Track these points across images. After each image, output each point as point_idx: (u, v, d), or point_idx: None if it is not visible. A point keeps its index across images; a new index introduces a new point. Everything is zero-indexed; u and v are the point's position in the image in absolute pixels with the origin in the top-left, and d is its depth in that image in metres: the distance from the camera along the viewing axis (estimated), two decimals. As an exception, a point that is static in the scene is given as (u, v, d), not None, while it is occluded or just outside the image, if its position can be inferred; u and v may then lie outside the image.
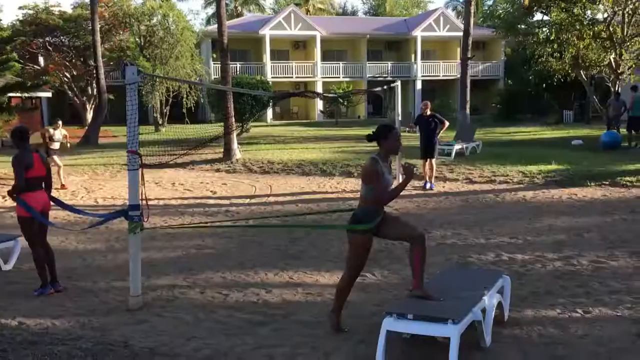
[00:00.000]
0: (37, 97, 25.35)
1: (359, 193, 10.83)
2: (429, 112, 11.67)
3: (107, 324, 4.91)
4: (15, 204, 5.77)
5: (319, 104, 37.35)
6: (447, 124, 12.15)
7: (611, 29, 21.55)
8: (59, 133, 13.30)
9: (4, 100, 16.03)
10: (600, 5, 22.25)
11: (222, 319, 5.01)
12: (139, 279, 5.35)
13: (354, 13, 65.30)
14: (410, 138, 21.29)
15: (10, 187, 5.75)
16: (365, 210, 4.50)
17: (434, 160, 11.86)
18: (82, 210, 6.13)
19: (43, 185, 5.87)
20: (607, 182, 11.41)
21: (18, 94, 18.33)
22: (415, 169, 4.52)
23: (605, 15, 22.27)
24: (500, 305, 4.62)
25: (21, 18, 33.65)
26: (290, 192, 11.83)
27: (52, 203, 5.97)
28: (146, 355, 4.13)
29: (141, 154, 5.25)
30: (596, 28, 21.83)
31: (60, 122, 13.60)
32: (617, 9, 21.44)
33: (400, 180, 4.49)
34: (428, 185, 11.79)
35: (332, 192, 11.69)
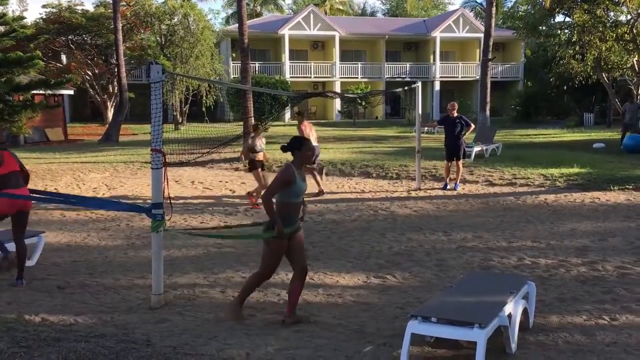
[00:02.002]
0: (59, 95, 25.64)
1: (378, 194, 10.81)
2: (455, 114, 11.61)
3: (129, 321, 4.93)
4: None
5: (337, 105, 37.32)
6: (472, 126, 12.09)
7: (635, 31, 21.26)
8: (261, 142, 10.50)
9: (28, 98, 16.21)
10: (624, 6, 21.95)
11: (244, 320, 5.01)
12: (162, 277, 5.36)
13: (372, 14, 65.15)
14: (429, 139, 21.20)
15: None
16: (280, 216, 4.73)
17: (460, 162, 11.80)
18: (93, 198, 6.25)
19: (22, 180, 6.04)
20: (630, 187, 11.23)
21: (41, 92, 18.53)
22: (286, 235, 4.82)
23: (629, 17, 21.98)
24: (525, 312, 4.56)
25: (44, 16, 34.05)
26: (308, 191, 11.78)
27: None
28: (169, 354, 4.13)
29: (165, 152, 5.26)
30: (619, 30, 21.57)
31: (260, 127, 11.12)
32: (641, 11, 21.15)
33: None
34: (451, 186, 11.73)
35: (351, 192, 11.65)
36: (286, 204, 4.78)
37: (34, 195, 6.53)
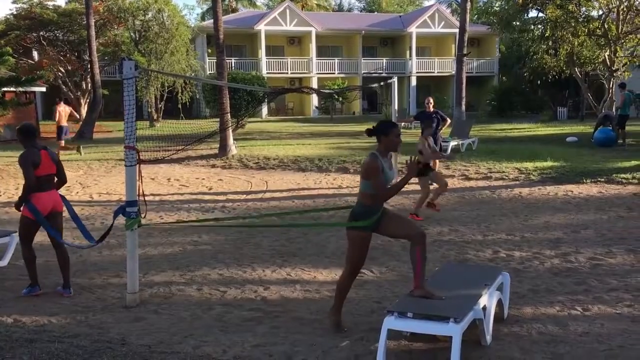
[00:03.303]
0: (31, 92, 25.16)
1: (355, 189, 10.80)
2: (432, 108, 11.69)
3: (104, 321, 4.87)
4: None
5: (314, 100, 37.30)
6: (449, 121, 12.19)
7: (606, 26, 21.62)
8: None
9: (-2, 95, 15.89)
10: (595, 2, 22.29)
11: (220, 316, 4.99)
12: (137, 275, 5.31)
13: (349, 9, 65.20)
14: (406, 134, 21.29)
15: (17, 198, 5.62)
16: (364, 206, 4.46)
17: None
18: (86, 232, 5.96)
19: (55, 182, 5.73)
20: (602, 179, 11.43)
21: (12, 89, 18.16)
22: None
23: (600, 12, 22.34)
24: (499, 303, 4.61)
25: (15, 12, 33.39)
26: (286, 188, 11.80)
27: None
28: (144, 353, 4.09)
29: (139, 149, 5.20)
30: (591, 25, 21.89)
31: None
32: (611, 6, 21.51)
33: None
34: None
35: (329, 188, 11.66)
36: (371, 196, 4.40)
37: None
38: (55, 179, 5.74)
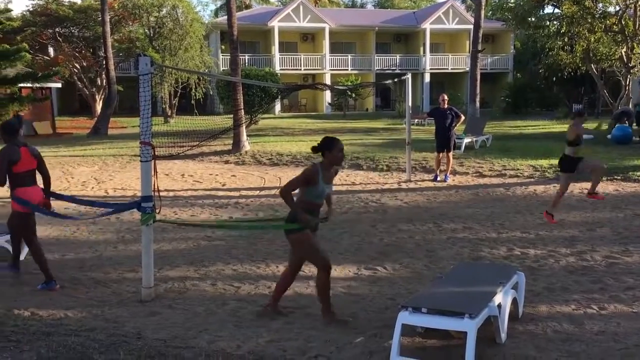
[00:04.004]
0: (47, 88, 25.40)
1: (368, 185, 10.82)
2: (445, 105, 11.64)
3: (120, 315, 4.92)
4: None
5: (327, 97, 37.25)
6: (463, 117, 12.13)
7: (623, 22, 21.35)
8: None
9: (15, 91, 16.06)
10: (612, -2, 22.05)
11: (234, 312, 5.01)
12: (152, 270, 5.35)
13: (362, 5, 65.02)
14: (419, 131, 21.24)
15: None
16: (293, 207, 4.64)
17: (450, 154, 11.84)
18: (90, 201, 6.08)
19: (38, 179, 5.82)
20: (619, 177, 11.32)
21: (29, 85, 18.36)
22: (320, 222, 4.81)
23: (617, 8, 22.06)
24: (514, 301, 4.59)
25: (31, 8, 33.70)
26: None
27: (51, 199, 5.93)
28: (159, 347, 4.12)
29: (154, 145, 5.23)
30: (608, 21, 21.64)
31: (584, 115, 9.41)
32: (629, 2, 21.24)
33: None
34: (441, 178, 11.78)
35: (342, 185, 11.65)
36: (306, 202, 4.66)
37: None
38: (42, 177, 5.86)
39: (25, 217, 5.74)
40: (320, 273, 4.71)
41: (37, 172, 5.79)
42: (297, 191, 4.65)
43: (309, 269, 6.23)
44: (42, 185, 5.86)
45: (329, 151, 4.66)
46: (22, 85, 17.34)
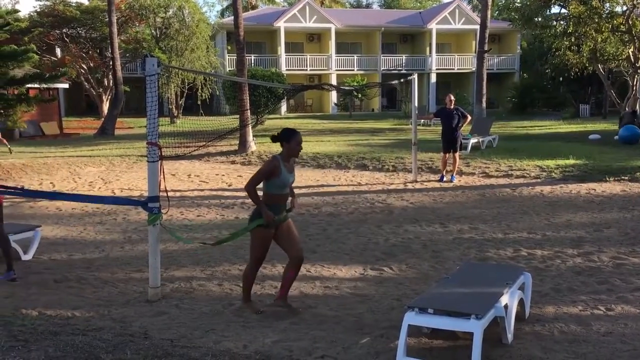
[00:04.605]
0: (54, 88, 25.51)
1: (375, 186, 10.79)
2: (452, 106, 11.62)
3: (127, 314, 4.93)
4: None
5: (333, 97, 37.26)
6: (469, 118, 12.10)
7: (630, 22, 21.24)
8: None
9: (23, 91, 16.13)
10: (620, -3, 21.93)
11: (240, 312, 5.02)
12: (158, 270, 5.36)
13: (368, 6, 64.98)
14: (426, 131, 21.20)
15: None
16: (265, 205, 4.75)
17: (457, 154, 11.82)
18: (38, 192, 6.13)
19: None
20: (626, 177, 11.27)
21: (36, 85, 18.43)
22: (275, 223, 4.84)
23: (624, 8, 21.95)
24: (521, 302, 4.58)
25: (38, 9, 33.86)
26: (305, 184, 11.82)
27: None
28: (166, 347, 4.13)
29: (161, 145, 5.25)
30: (615, 21, 21.53)
31: None
32: (636, 2, 21.12)
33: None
34: (447, 178, 11.76)
35: (348, 185, 11.66)
36: (270, 195, 4.79)
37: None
38: None
39: None
40: (250, 265, 4.96)
41: None
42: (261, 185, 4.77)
43: (314, 269, 6.24)
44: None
45: (287, 142, 4.79)
46: (29, 86, 17.39)
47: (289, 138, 4.79)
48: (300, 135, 4.88)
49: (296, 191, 11.60)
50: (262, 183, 4.79)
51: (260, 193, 4.78)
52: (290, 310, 4.92)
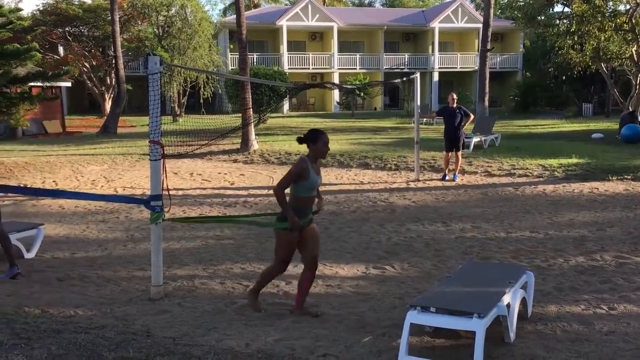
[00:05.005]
0: (57, 87, 25.54)
1: (377, 185, 10.78)
2: (454, 104, 11.61)
3: (129, 313, 4.94)
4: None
5: (336, 96, 37.25)
6: (472, 116, 12.09)
7: (633, 20, 21.19)
8: None
9: (25, 90, 16.15)
10: (623, -4, 21.88)
11: (242, 310, 5.02)
12: (161, 268, 5.37)
13: (370, 4, 64.92)
14: (428, 130, 21.19)
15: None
16: (292, 209, 4.67)
17: (459, 153, 11.80)
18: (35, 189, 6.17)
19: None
20: (629, 177, 11.25)
21: (39, 84, 18.46)
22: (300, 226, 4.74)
23: (628, 6, 21.90)
24: (523, 301, 4.57)
25: (41, 8, 33.90)
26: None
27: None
28: (169, 345, 4.14)
29: (163, 144, 5.25)
30: (618, 20, 21.50)
31: None
32: (639, 1, 21.07)
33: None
34: (450, 177, 11.74)
35: (350, 184, 11.65)
36: (298, 198, 4.72)
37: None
38: None
39: None
40: (274, 266, 4.88)
41: None
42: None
43: (317, 269, 6.23)
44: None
45: (314, 143, 4.71)
46: (32, 84, 17.42)
47: (315, 139, 4.70)
48: (327, 135, 4.77)
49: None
50: (291, 187, 4.72)
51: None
52: (309, 313, 4.84)
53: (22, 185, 7.00)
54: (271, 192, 10.91)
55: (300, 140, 4.79)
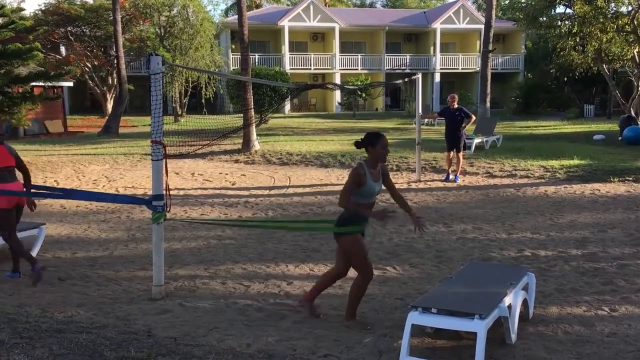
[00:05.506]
0: (59, 86, 25.57)
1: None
2: (455, 105, 11.61)
3: (130, 312, 4.94)
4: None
5: (337, 96, 37.26)
6: (473, 117, 12.07)
7: (635, 22, 21.16)
8: None
9: (27, 89, 16.17)
10: (625, -2, 21.86)
11: (243, 310, 5.02)
12: (162, 268, 5.37)
13: (372, 5, 64.92)
14: (429, 131, 21.18)
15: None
16: (349, 215, 4.53)
17: (460, 154, 11.79)
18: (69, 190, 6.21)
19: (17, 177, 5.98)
20: (630, 178, 11.24)
21: (41, 84, 18.48)
22: (392, 213, 4.52)
23: (630, 8, 21.87)
24: (524, 302, 4.57)
25: (43, 8, 33.95)
26: (309, 183, 11.83)
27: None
28: (170, 345, 4.14)
29: (165, 144, 5.25)
30: (620, 21, 21.47)
31: None
32: (642, 2, 21.04)
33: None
34: (451, 177, 11.74)
35: (351, 185, 11.64)
36: (356, 204, 4.50)
37: (34, 191, 6.47)
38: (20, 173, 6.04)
39: (8, 213, 5.86)
40: (360, 279, 4.61)
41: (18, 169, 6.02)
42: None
43: (318, 268, 6.24)
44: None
45: (372, 147, 4.50)
46: (34, 84, 17.45)
47: (374, 142, 4.49)
48: (386, 138, 4.57)
49: (300, 190, 11.66)
50: None
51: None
52: (311, 311, 4.76)
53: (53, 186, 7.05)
54: (272, 192, 10.96)
55: (358, 145, 4.59)
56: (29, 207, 6.29)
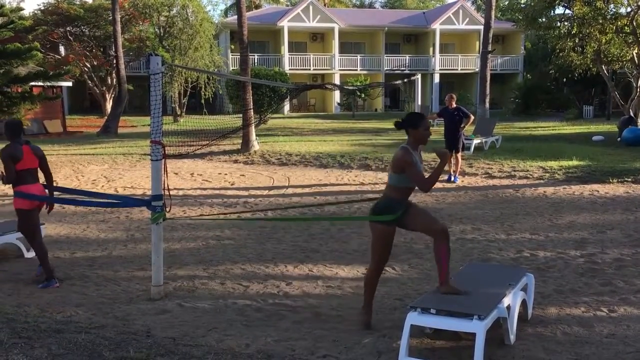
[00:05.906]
0: (58, 86, 25.56)
1: (377, 186, 10.81)
2: (453, 105, 11.60)
3: (129, 313, 4.94)
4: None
5: (337, 97, 37.27)
6: (472, 117, 12.06)
7: (635, 23, 21.18)
8: None
9: (26, 89, 16.18)
10: (624, -1, 21.89)
11: (242, 311, 5.02)
12: (161, 268, 5.37)
13: (371, 5, 64.94)
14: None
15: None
16: (390, 200, 4.46)
17: (459, 154, 11.79)
18: (97, 193, 6.18)
19: (40, 178, 5.94)
20: (629, 179, 11.25)
21: (40, 83, 18.49)
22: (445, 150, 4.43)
23: (629, 9, 21.90)
24: (523, 303, 4.57)
25: (42, 7, 33.95)
26: (308, 184, 11.83)
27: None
28: (169, 346, 4.14)
29: (165, 144, 5.25)
30: (619, 22, 21.49)
31: None
32: (641, 3, 21.06)
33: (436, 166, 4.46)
34: (451, 178, 11.73)
35: (351, 185, 11.66)
36: (402, 190, 4.43)
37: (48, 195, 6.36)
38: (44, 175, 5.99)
39: (30, 214, 5.82)
40: (372, 268, 4.56)
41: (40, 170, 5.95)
42: (392, 180, 4.42)
43: (317, 269, 6.24)
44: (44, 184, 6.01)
45: (415, 128, 4.37)
46: (33, 83, 17.46)
47: (417, 123, 4.35)
48: (427, 119, 4.43)
49: (299, 191, 11.67)
50: (390, 178, 4.47)
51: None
52: (456, 291, 4.22)
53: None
54: (271, 192, 10.95)
55: (398, 125, 4.45)
56: (47, 209, 6.18)
